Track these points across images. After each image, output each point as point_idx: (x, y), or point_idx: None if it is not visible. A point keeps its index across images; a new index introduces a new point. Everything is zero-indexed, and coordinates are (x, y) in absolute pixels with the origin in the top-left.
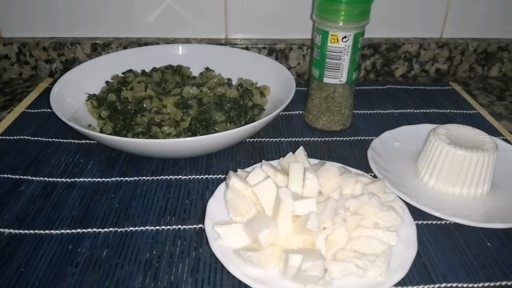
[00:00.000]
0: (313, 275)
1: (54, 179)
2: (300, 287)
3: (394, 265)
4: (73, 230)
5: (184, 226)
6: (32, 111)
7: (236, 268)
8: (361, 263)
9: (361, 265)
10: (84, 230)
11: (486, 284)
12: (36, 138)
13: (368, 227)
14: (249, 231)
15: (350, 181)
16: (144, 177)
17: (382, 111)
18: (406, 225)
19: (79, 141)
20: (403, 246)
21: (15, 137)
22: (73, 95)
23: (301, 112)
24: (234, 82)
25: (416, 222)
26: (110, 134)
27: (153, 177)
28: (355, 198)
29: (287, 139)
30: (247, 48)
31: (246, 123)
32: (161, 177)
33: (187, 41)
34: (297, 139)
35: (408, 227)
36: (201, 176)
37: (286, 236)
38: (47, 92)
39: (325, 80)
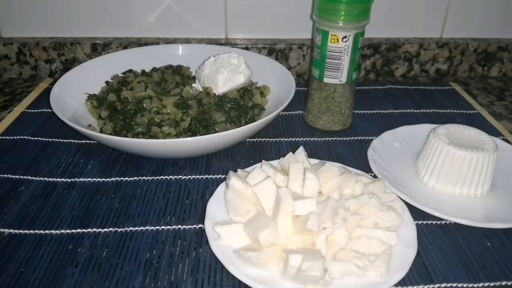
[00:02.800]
0: (313, 275)
1: (54, 179)
2: (300, 287)
3: (394, 265)
4: (73, 230)
5: (184, 226)
6: (32, 111)
7: (236, 268)
8: (361, 263)
9: (361, 265)
10: (84, 230)
11: (486, 284)
12: (36, 138)
13: (368, 227)
14: (249, 231)
15: (350, 181)
16: (144, 177)
17: (382, 111)
18: (406, 225)
19: (79, 141)
20: (403, 246)
21: (15, 137)
22: (73, 95)
23: (301, 112)
24: None
25: (416, 222)
26: (110, 134)
27: (153, 177)
28: (355, 198)
29: (287, 139)
30: (247, 48)
31: (246, 123)
32: (161, 177)
33: (187, 41)
34: (297, 139)
35: (408, 227)
36: (201, 176)
37: (286, 236)
38: (47, 92)
39: (325, 80)
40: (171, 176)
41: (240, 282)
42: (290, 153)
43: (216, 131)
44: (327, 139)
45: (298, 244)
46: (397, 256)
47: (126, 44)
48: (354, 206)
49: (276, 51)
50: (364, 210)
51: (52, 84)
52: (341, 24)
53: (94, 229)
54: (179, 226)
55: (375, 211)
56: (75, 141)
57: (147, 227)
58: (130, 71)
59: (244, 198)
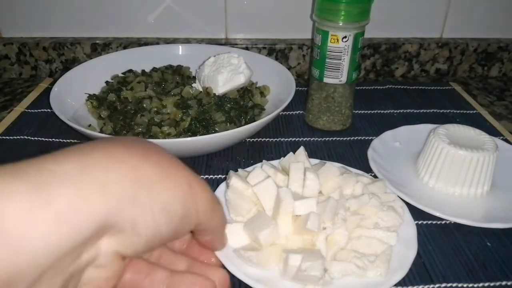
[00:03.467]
0: (313, 275)
1: None
2: (300, 287)
3: (394, 265)
4: None
5: None
6: (32, 111)
7: (236, 268)
8: (361, 263)
9: (361, 265)
10: None
11: (486, 284)
12: (36, 138)
13: (368, 227)
14: (249, 231)
15: (350, 181)
16: None
17: (382, 111)
18: (406, 225)
19: (79, 141)
20: (403, 246)
21: (15, 137)
22: (73, 95)
23: (301, 112)
24: None
25: (416, 222)
26: (110, 134)
27: None
28: (355, 198)
29: (287, 139)
30: (247, 48)
31: (246, 123)
32: None
33: (187, 41)
34: (297, 139)
35: (408, 227)
36: (201, 176)
37: (286, 236)
38: (47, 92)
39: (325, 80)
40: None
41: (240, 282)
42: (291, 153)
43: (216, 131)
44: (327, 139)
45: (298, 244)
46: (397, 256)
47: (126, 44)
48: (354, 206)
49: (276, 51)
50: (364, 210)
51: (52, 84)
52: (341, 24)
53: None
54: None
55: (375, 211)
56: (75, 141)
57: None
58: (130, 71)
59: (244, 198)
